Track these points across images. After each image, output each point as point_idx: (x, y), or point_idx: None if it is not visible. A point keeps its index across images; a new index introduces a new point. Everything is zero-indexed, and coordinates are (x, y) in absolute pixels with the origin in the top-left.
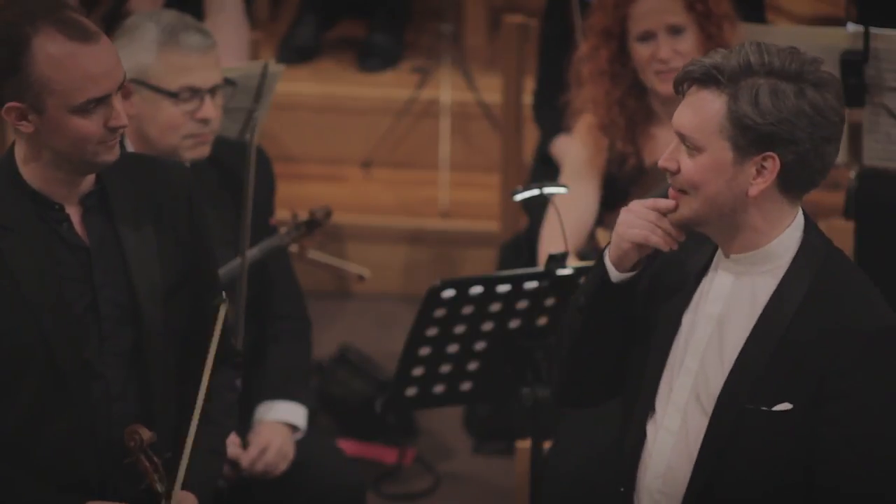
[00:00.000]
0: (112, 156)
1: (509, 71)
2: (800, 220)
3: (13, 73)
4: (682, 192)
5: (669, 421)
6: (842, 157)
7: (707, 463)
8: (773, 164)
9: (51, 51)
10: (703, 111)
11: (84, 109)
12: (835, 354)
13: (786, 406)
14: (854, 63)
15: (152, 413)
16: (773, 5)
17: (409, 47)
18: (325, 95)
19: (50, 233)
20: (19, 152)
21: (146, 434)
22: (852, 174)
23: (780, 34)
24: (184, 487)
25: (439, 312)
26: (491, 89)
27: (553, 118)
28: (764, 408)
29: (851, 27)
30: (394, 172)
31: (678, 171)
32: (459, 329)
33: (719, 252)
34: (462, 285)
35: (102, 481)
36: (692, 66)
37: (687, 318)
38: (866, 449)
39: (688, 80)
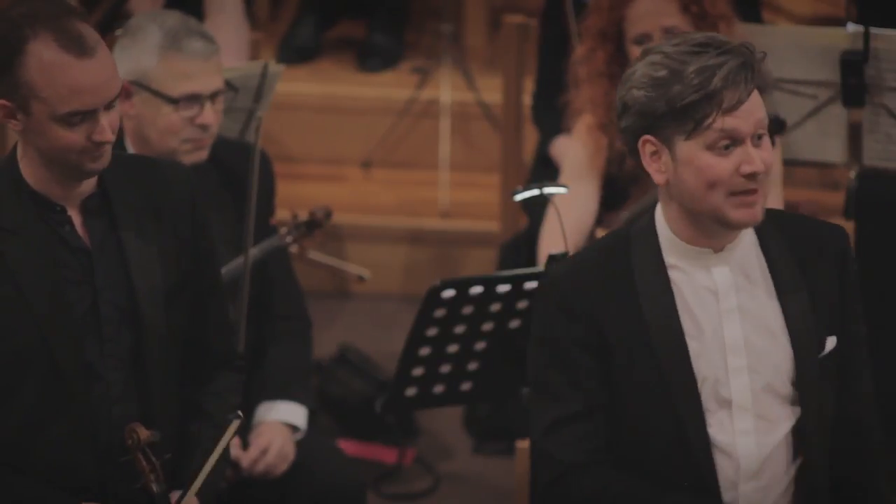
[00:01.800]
0: (98, 165)
1: (509, 71)
2: None
3: (5, 72)
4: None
5: (741, 424)
6: (842, 157)
7: (811, 432)
8: None
9: (43, 58)
10: (760, 101)
11: (67, 121)
12: (831, 260)
13: (833, 342)
14: (854, 63)
15: (152, 415)
16: (773, 5)
17: (409, 47)
18: (325, 95)
19: (51, 235)
20: (20, 153)
21: (144, 433)
22: (852, 174)
23: (780, 34)
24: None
25: (439, 312)
26: (491, 89)
27: (552, 119)
28: (821, 354)
29: (851, 27)
30: (394, 172)
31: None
32: (459, 329)
33: (691, 252)
34: (462, 285)
35: (102, 483)
36: (752, 82)
37: (690, 325)
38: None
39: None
